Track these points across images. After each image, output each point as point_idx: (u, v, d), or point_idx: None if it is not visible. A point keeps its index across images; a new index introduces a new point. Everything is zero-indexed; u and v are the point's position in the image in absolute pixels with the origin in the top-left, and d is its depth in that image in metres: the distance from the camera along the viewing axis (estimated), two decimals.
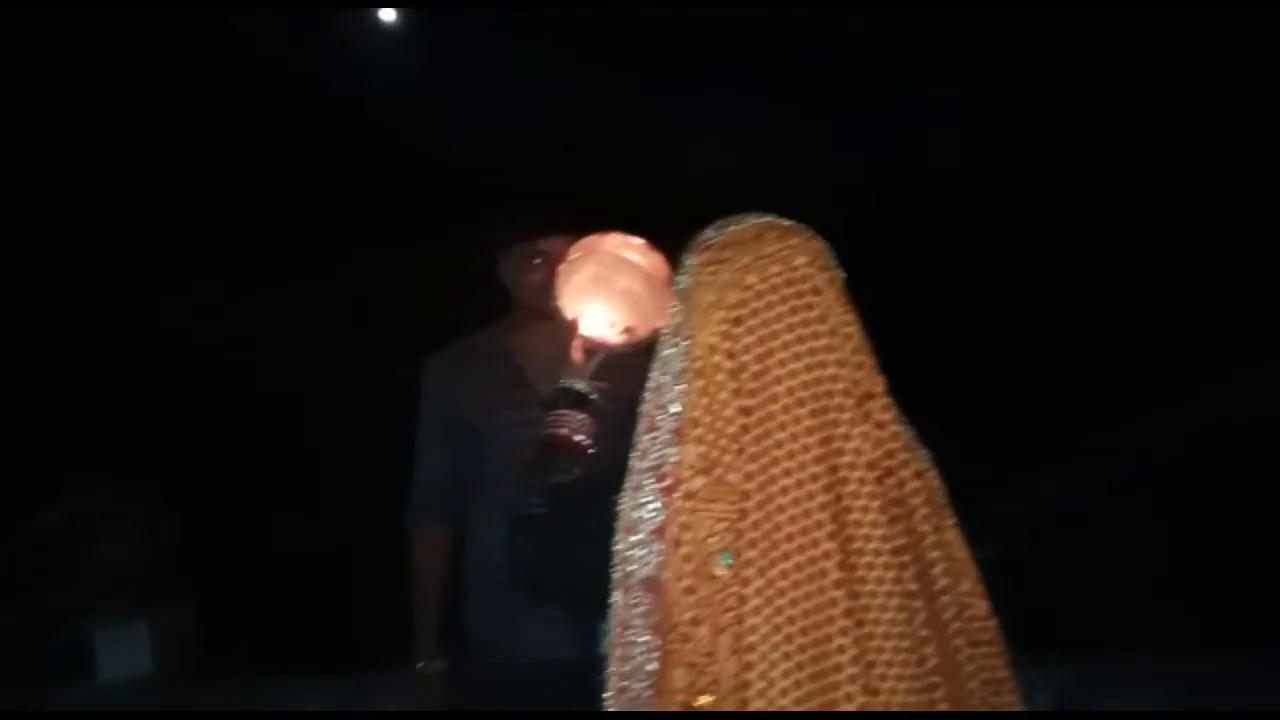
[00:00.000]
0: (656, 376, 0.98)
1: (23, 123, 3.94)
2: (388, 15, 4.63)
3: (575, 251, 1.58)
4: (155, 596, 3.85)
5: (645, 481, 0.94)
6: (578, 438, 1.41)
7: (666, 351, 0.97)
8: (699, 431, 0.91)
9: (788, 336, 0.92)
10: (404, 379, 2.24)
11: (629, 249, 1.60)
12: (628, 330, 1.57)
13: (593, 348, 1.51)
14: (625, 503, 0.96)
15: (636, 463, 0.96)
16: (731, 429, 0.90)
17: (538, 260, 2.10)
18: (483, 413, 2.10)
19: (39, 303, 4.19)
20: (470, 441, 2.10)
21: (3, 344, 4.08)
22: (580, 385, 1.45)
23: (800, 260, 0.94)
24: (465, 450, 2.11)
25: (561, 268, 1.56)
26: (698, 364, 0.92)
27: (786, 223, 0.99)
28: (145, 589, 3.82)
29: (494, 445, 2.07)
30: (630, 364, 1.66)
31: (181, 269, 4.31)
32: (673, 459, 0.92)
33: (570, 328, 1.52)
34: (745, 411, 0.90)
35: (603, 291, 1.60)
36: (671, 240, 1.71)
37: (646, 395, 0.99)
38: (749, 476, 0.89)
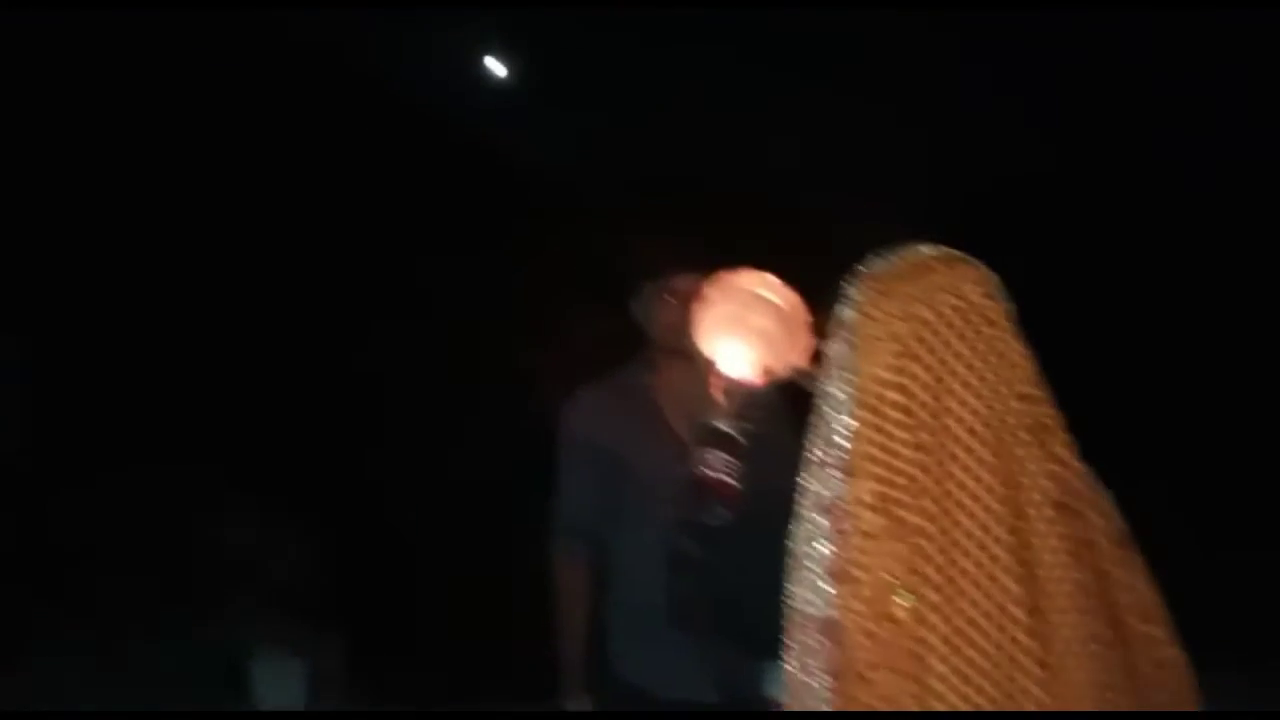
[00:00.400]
0: (821, 412, 0.97)
1: (179, 151, 4.19)
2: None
3: (709, 290, 1.58)
4: (311, 626, 4.01)
5: (815, 520, 0.92)
6: (725, 478, 1.40)
7: (831, 386, 0.95)
8: (872, 468, 0.88)
9: (962, 370, 0.89)
10: (547, 414, 2.30)
11: (763, 286, 1.60)
12: (766, 370, 1.56)
13: (733, 387, 1.51)
14: (795, 542, 0.95)
15: (804, 501, 0.95)
16: (907, 466, 0.88)
17: (670, 298, 2.11)
18: (625, 446, 2.12)
19: (206, 334, 4.44)
20: (613, 472, 2.12)
21: (167, 375, 4.35)
22: (724, 425, 1.44)
23: (971, 291, 0.91)
24: (608, 479, 2.14)
25: (696, 307, 1.57)
26: (868, 399, 0.90)
27: (954, 252, 0.96)
28: (302, 618, 3.97)
29: (636, 478, 2.09)
30: (770, 402, 1.66)
31: (335, 301, 4.51)
32: (844, 496, 0.90)
33: (709, 367, 1.52)
34: (920, 448, 0.88)
35: (738, 330, 1.60)
36: (805, 276, 1.71)
37: (810, 431, 0.97)
38: (927, 515, 0.86)
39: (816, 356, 1.57)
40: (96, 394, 4.33)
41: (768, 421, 1.62)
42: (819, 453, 0.95)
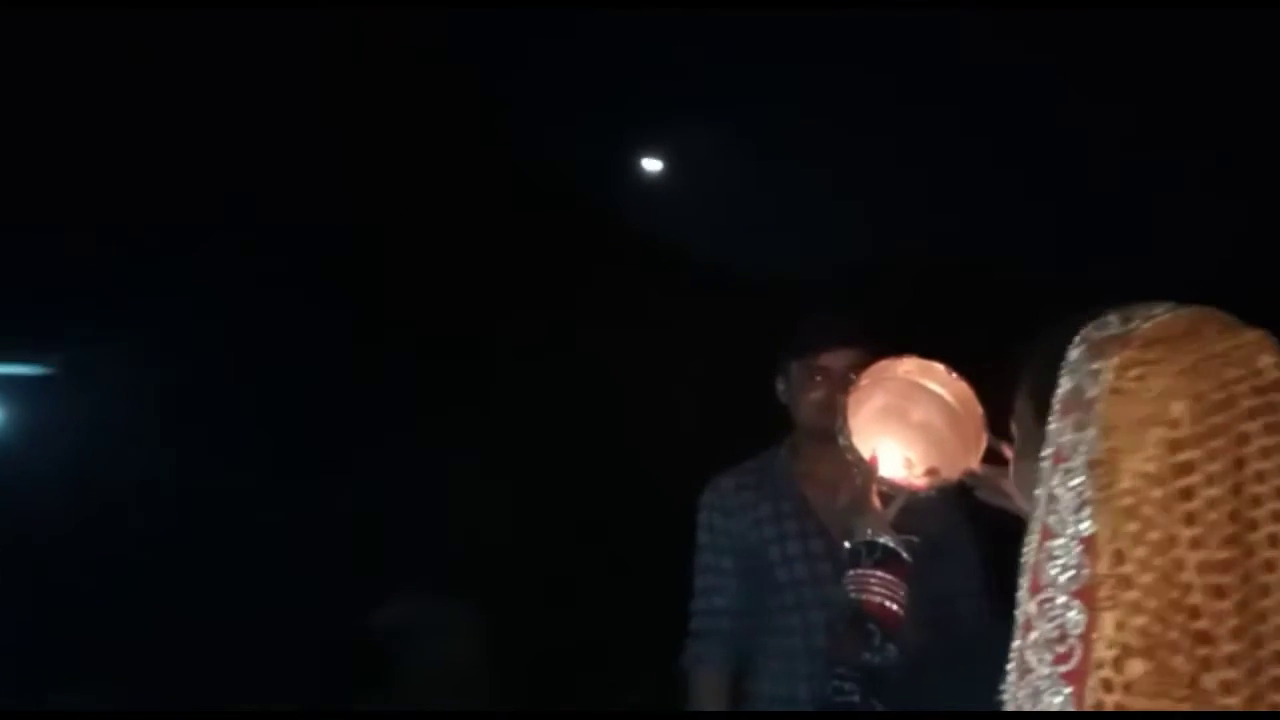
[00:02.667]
0: (1041, 518, 0.74)
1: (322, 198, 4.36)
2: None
3: (865, 378, 1.37)
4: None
5: (1038, 662, 0.69)
6: (890, 605, 1.15)
7: (1058, 484, 0.72)
8: (1132, 595, 0.64)
9: (1264, 465, 0.65)
10: (683, 503, 2.12)
11: (927, 375, 1.37)
12: (930, 472, 1.33)
13: (893, 492, 1.28)
14: (1012, 691, 0.71)
15: (1022, 636, 0.71)
16: (1184, 595, 0.64)
17: (818, 378, 1.92)
18: (773, 542, 1.90)
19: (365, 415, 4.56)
20: (758, 574, 1.91)
21: (333, 455, 4.47)
22: (887, 540, 1.20)
23: (1265, 361, 0.68)
24: (752, 583, 1.92)
25: (850, 397, 1.36)
26: (1125, 501, 0.66)
27: (1223, 314, 0.73)
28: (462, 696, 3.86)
29: (784, 578, 1.86)
30: (937, 512, 1.41)
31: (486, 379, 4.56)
32: (1077, 631, 0.67)
33: (868, 468, 1.29)
34: (1208, 568, 0.64)
35: (895, 425, 1.38)
36: (973, 362, 1.47)
37: (1029, 542, 0.75)
38: (1214, 664, 0.63)
39: (991, 457, 1.33)
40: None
41: (937, 535, 1.38)
42: (1040, 571, 0.71)
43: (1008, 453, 1.31)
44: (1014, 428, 0.91)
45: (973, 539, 1.87)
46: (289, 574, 4.17)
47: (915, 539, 1.22)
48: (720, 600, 1.95)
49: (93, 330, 4.20)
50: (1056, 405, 0.75)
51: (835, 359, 1.89)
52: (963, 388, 1.36)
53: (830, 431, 1.89)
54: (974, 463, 1.30)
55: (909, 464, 1.34)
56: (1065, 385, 0.75)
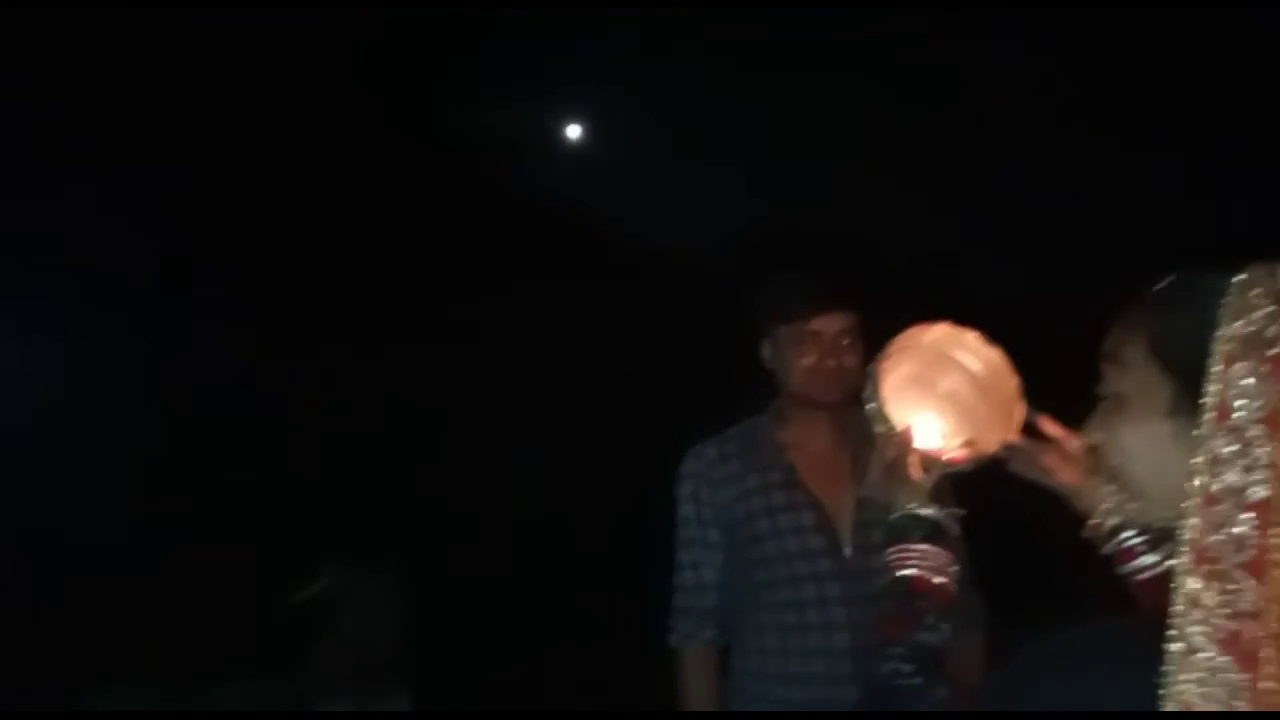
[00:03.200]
0: (1204, 484, 0.66)
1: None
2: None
3: (894, 347, 1.29)
4: (382, 681, 3.81)
5: (1207, 642, 0.62)
6: (938, 580, 1.08)
7: (1223, 444, 0.65)
8: None
9: None
10: (660, 473, 2.02)
11: (957, 344, 1.30)
12: (968, 444, 1.26)
13: (931, 463, 1.20)
14: (1176, 676, 0.63)
15: (1184, 614, 0.64)
16: None
17: (809, 343, 1.83)
18: (761, 515, 1.82)
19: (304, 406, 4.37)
20: (744, 546, 1.82)
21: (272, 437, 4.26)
22: (932, 512, 1.12)
23: None
24: (738, 556, 1.83)
25: (880, 365, 1.28)
26: None
27: None
28: (379, 672, 3.78)
29: (773, 552, 1.78)
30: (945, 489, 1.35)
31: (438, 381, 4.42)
32: (1249, 608, 0.60)
33: (903, 439, 1.21)
34: None
35: (925, 395, 1.30)
36: (1005, 331, 1.40)
37: (1187, 512, 0.67)
38: None
39: (1027, 429, 1.26)
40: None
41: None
42: (1210, 546, 0.64)
43: (1047, 426, 1.25)
44: (1114, 384, 0.82)
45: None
46: (214, 545, 3.96)
47: (962, 511, 1.15)
48: (707, 574, 1.86)
49: None
50: (1219, 357, 0.67)
51: (827, 323, 1.81)
52: (994, 356, 1.29)
53: (820, 398, 1.83)
54: (1008, 434, 1.24)
55: (943, 435, 1.26)
56: (1237, 330, 0.67)
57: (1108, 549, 1.11)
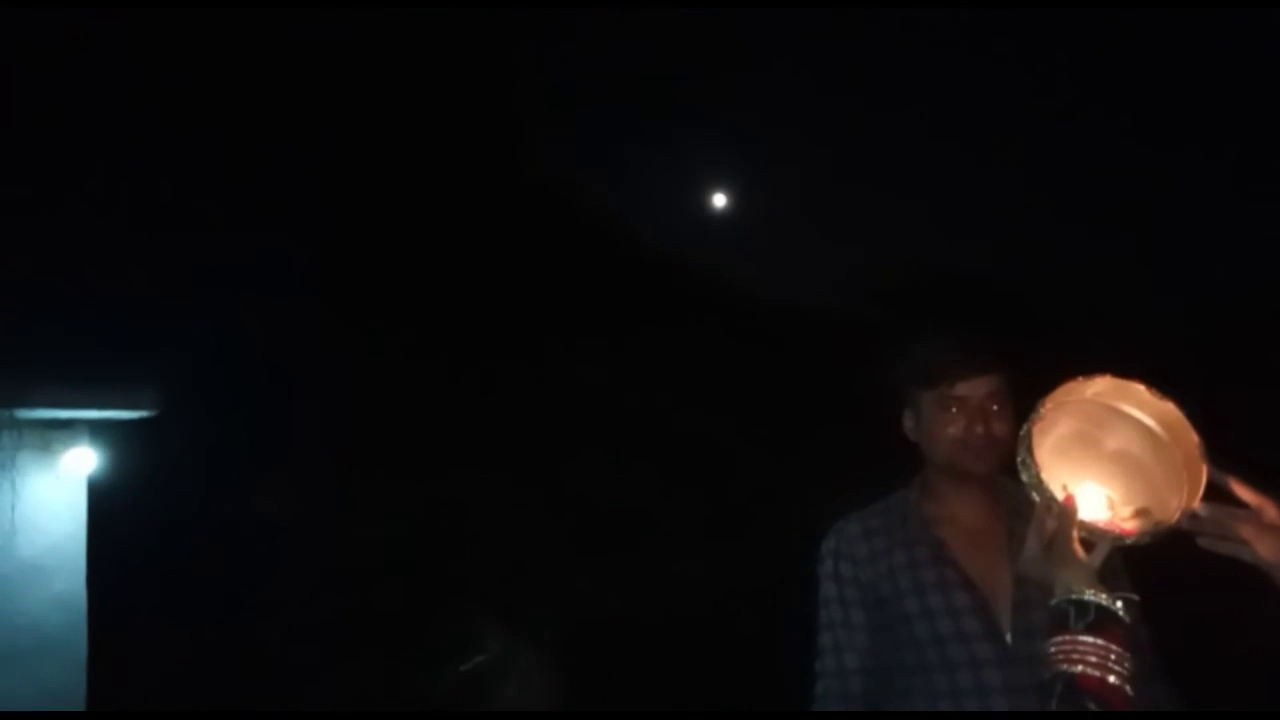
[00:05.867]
0: None
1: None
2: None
3: (1048, 404, 1.15)
4: None
5: None
6: (1111, 679, 0.91)
7: None
8: None
9: None
10: (800, 550, 1.90)
11: (1123, 397, 1.14)
12: (1140, 513, 1.09)
13: (1099, 538, 1.04)
14: None
15: None
16: None
17: (954, 409, 1.69)
18: (910, 594, 1.67)
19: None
20: (893, 629, 1.67)
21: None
22: (1100, 596, 0.96)
23: None
24: (885, 640, 1.68)
25: (1034, 425, 1.14)
26: None
27: None
28: None
29: (924, 635, 1.62)
30: (1113, 565, 1.17)
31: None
32: None
33: (1066, 510, 1.06)
34: None
35: (1088, 457, 1.15)
36: (1182, 383, 1.23)
37: None
38: None
39: (1214, 493, 1.08)
40: None
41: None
42: None
43: (1238, 489, 1.07)
44: None
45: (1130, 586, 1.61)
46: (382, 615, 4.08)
47: (1136, 597, 0.99)
48: (851, 659, 1.72)
49: (188, 373, 4.22)
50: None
51: (973, 388, 1.67)
52: (1170, 410, 1.12)
53: (969, 469, 1.68)
54: (1191, 500, 1.06)
55: (1111, 503, 1.10)
56: None
57: None
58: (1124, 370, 1.17)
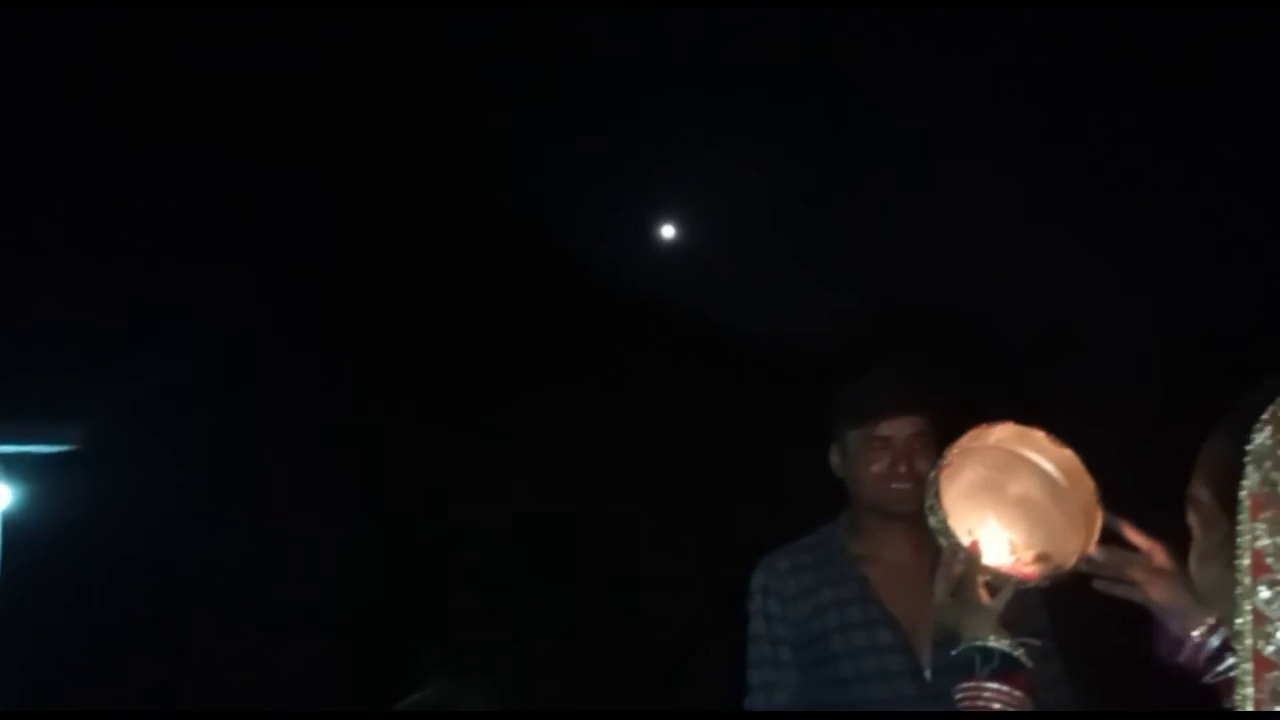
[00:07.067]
0: (1251, 645, 0.54)
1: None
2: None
3: (954, 450, 1.18)
4: None
5: None
6: None
7: (1266, 600, 0.54)
8: None
9: None
10: (728, 585, 1.90)
11: (1025, 443, 1.18)
12: (1040, 558, 1.12)
13: (1002, 583, 1.07)
14: None
15: None
16: None
17: (879, 448, 1.72)
18: (835, 632, 1.68)
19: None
20: (817, 666, 1.68)
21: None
22: (1004, 644, 0.99)
23: None
24: (811, 677, 1.69)
25: (941, 471, 1.17)
26: None
27: None
28: None
29: (849, 673, 1.64)
30: (1027, 602, 1.21)
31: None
32: None
33: (971, 556, 1.09)
34: None
35: (991, 502, 1.18)
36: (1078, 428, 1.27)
37: (1240, 674, 0.55)
38: None
39: (1109, 538, 1.12)
40: None
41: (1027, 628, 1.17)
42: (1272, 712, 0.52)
43: (1130, 534, 1.11)
44: (1191, 517, 0.72)
45: (1049, 629, 1.64)
46: (316, 653, 3.97)
47: (1037, 642, 1.01)
48: (780, 696, 1.72)
49: (111, 407, 4.08)
50: (1245, 502, 0.56)
51: (897, 427, 1.70)
52: (1068, 456, 1.16)
53: (893, 508, 1.71)
54: (1087, 544, 1.10)
55: (1014, 547, 1.13)
56: (1252, 478, 0.57)
57: (1208, 678, 0.96)
58: (1025, 418, 1.20)
